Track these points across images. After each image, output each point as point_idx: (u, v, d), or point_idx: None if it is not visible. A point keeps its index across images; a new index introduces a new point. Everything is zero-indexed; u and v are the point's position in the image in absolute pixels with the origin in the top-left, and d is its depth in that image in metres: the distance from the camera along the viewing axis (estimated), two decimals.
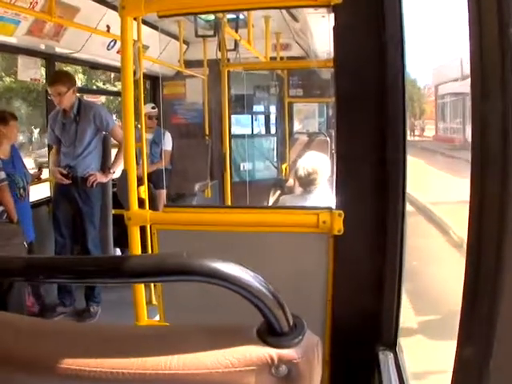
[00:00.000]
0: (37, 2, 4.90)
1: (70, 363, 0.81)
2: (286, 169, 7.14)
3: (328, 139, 7.26)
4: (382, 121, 1.98)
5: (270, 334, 0.78)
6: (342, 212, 2.11)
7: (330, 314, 2.22)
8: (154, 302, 2.70)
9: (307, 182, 3.82)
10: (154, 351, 0.78)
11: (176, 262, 0.74)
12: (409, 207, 2.70)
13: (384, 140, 1.99)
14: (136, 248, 2.23)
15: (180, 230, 2.19)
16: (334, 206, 2.16)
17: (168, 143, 7.35)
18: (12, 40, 5.23)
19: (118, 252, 6.67)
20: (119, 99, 10.43)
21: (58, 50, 6.08)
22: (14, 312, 4.42)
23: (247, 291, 0.77)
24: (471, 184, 1.01)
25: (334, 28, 2.05)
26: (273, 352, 0.77)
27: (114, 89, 23.91)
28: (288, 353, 0.77)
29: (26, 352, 0.85)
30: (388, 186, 2.00)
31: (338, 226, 2.12)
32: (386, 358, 2.04)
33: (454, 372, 1.10)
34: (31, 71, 5.94)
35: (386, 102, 1.97)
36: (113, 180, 5.77)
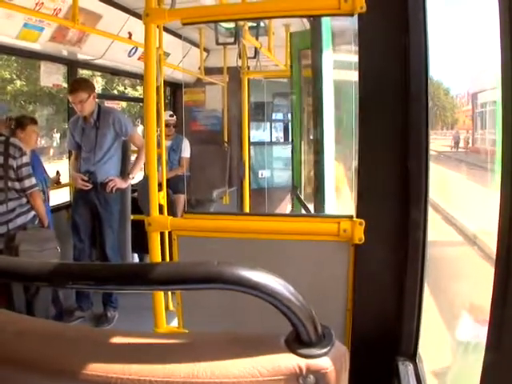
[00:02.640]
0: (60, 9, 4.95)
1: (97, 369, 0.81)
2: (310, 176, 7.11)
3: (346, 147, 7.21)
4: (405, 129, 1.97)
5: (298, 343, 0.78)
6: (362, 221, 2.10)
7: (349, 323, 2.21)
8: (171, 307, 2.70)
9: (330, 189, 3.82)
10: (182, 359, 0.77)
11: (207, 270, 0.74)
12: (455, 236, 2.68)
13: (407, 149, 1.98)
14: (156, 254, 2.23)
15: (200, 237, 2.19)
16: (351, 214, 2.16)
17: (186, 150, 7.38)
18: (35, 46, 5.28)
19: (136, 257, 6.70)
20: (140, 105, 10.48)
21: (80, 56, 6.14)
22: (39, 316, 4.47)
23: (277, 300, 0.76)
24: (501, 195, 1.00)
25: (358, 36, 2.05)
26: (301, 362, 0.76)
27: (136, 94, 24.06)
28: (317, 363, 0.76)
29: (51, 358, 0.85)
30: (410, 196, 1.98)
31: (359, 235, 2.10)
32: (405, 369, 2.03)
33: (481, 379, 1.09)
34: (53, 77, 6.00)
35: (409, 110, 1.96)
36: (132, 185, 5.79)
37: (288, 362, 0.76)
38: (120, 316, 5.56)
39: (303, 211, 5.04)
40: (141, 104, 10.23)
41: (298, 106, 5.78)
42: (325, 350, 0.78)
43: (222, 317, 2.12)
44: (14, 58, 22.88)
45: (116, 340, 0.88)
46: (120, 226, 5.54)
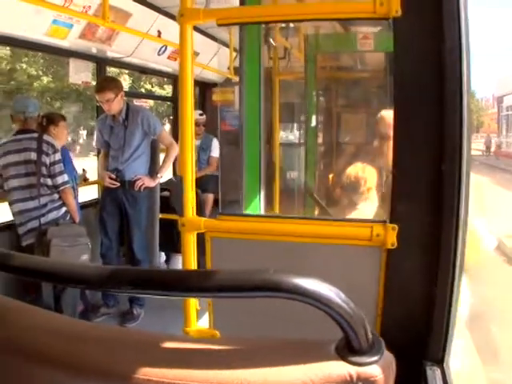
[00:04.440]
0: (90, 7, 4.97)
1: (141, 373, 0.82)
2: (332, 178, 7.10)
3: (373, 150, 7.18)
4: (440, 134, 1.96)
5: (348, 350, 0.77)
6: (396, 226, 2.09)
7: (378, 328, 2.20)
8: (198, 306, 2.70)
9: (356, 193, 3.80)
10: (234, 365, 0.77)
11: (263, 278, 0.74)
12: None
13: (441, 154, 1.97)
14: (189, 254, 2.23)
15: (233, 239, 2.19)
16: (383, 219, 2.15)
17: (215, 150, 7.40)
18: (64, 43, 5.33)
19: (163, 256, 6.73)
20: (168, 103, 10.52)
21: (109, 54, 6.17)
22: (66, 311, 4.51)
23: (330, 307, 0.76)
24: None
25: (393, 41, 2.04)
26: (352, 369, 0.76)
27: (163, 92, 24.14)
28: (367, 370, 0.76)
29: (99, 362, 0.86)
30: (444, 201, 1.97)
31: (392, 240, 2.09)
32: (433, 374, 2.02)
33: None
34: (82, 74, 6.04)
35: (445, 115, 1.94)
36: (160, 184, 5.82)
37: (339, 369, 0.76)
38: (145, 314, 5.59)
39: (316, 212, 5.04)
40: (168, 103, 10.25)
41: (313, 107, 5.78)
42: (375, 358, 0.78)
43: (253, 318, 2.12)
44: (40, 54, 23.13)
45: (160, 343, 0.88)
46: (148, 224, 5.56)
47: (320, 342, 0.81)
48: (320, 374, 0.76)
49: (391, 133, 2.89)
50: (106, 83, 5.38)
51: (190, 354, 0.84)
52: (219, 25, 2.28)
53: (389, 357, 0.81)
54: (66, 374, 0.88)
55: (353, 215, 3.77)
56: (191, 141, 2.22)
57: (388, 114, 3.01)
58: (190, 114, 2.22)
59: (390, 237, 2.09)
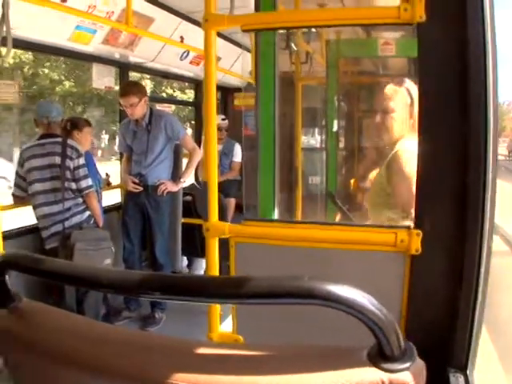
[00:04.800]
0: (113, 12, 5.01)
1: (172, 378, 0.82)
2: (353, 183, 7.07)
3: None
4: (465, 141, 1.95)
5: (380, 357, 0.77)
6: (420, 231, 2.08)
7: (402, 334, 2.18)
8: (220, 311, 2.71)
9: (379, 198, 3.79)
10: (268, 371, 0.77)
11: (298, 285, 0.74)
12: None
13: (466, 160, 1.96)
14: (213, 259, 2.24)
15: (257, 244, 2.19)
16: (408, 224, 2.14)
17: (238, 154, 7.41)
18: (87, 48, 5.37)
19: (185, 260, 6.75)
20: (189, 108, 10.57)
21: (132, 58, 6.21)
22: (89, 314, 4.53)
23: (363, 314, 0.76)
24: None
25: (418, 46, 2.03)
26: (384, 376, 0.76)
27: (184, 97, 24.23)
28: (399, 377, 0.76)
29: (125, 366, 0.86)
30: (468, 207, 1.96)
31: (416, 246, 2.08)
32: (456, 381, 2.01)
33: None
34: (105, 79, 6.08)
35: (469, 120, 1.94)
36: (183, 189, 5.84)
37: (371, 376, 0.76)
38: (167, 318, 5.60)
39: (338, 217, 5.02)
40: (189, 107, 10.29)
41: (333, 112, 5.77)
42: (407, 365, 0.78)
43: (276, 324, 2.11)
44: (62, 59, 23.33)
45: (187, 348, 0.89)
46: (170, 228, 5.58)
47: (351, 348, 0.81)
48: (352, 380, 0.76)
49: (391, 105, 2.93)
50: (129, 88, 5.42)
51: (218, 360, 0.85)
52: (244, 31, 2.29)
53: (420, 363, 0.81)
54: (91, 376, 0.89)
55: (377, 221, 3.77)
56: (215, 146, 2.23)
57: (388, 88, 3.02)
58: (214, 119, 2.23)
59: (415, 242, 2.09)
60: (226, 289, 0.76)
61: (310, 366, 0.77)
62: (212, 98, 2.23)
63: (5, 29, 3.14)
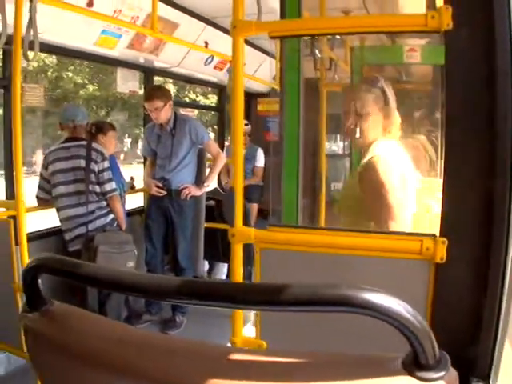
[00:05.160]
0: (138, 17, 5.05)
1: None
2: None
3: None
4: (491, 150, 1.94)
5: (415, 366, 0.77)
6: (445, 239, 2.07)
7: None
8: None
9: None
10: (293, 379, 0.78)
11: (333, 293, 0.75)
12: None
13: (493, 169, 1.95)
14: (238, 264, 2.24)
15: (282, 250, 2.19)
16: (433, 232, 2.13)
17: (260, 160, 7.43)
18: (111, 52, 5.41)
19: (207, 265, 6.77)
20: (212, 113, 10.61)
21: (157, 63, 6.24)
22: (111, 317, 4.55)
23: (398, 321, 0.76)
24: None
25: (445, 53, 2.03)
26: None
27: (207, 102, 24.30)
28: None
29: (156, 371, 0.87)
30: (494, 216, 1.95)
31: (441, 254, 2.07)
32: None
33: None
34: (130, 83, 6.12)
35: (496, 129, 1.93)
36: (206, 193, 5.86)
37: None
38: (188, 321, 5.62)
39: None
40: (212, 112, 10.34)
41: None
42: (441, 374, 0.78)
43: (301, 330, 2.11)
44: (86, 63, 23.51)
45: (216, 354, 0.89)
46: (193, 233, 5.60)
47: (385, 356, 0.81)
48: None
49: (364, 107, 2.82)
50: (154, 92, 5.45)
51: (244, 366, 0.85)
52: (271, 37, 2.30)
53: (453, 373, 0.81)
54: (117, 378, 0.89)
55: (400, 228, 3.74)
56: (242, 152, 2.24)
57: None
58: (242, 125, 2.24)
59: (440, 251, 2.08)
60: (267, 296, 0.76)
61: (343, 375, 0.77)
62: (240, 104, 2.24)
63: (32, 33, 3.17)
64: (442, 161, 2.09)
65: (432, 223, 2.88)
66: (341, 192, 2.91)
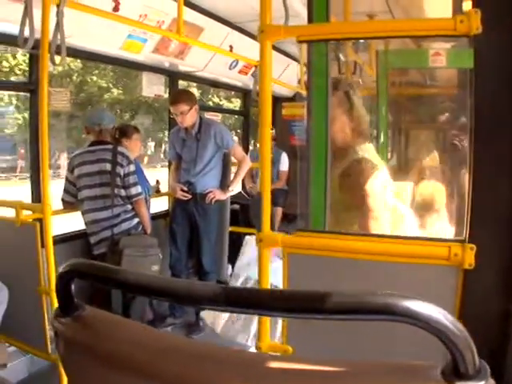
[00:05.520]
0: (163, 21, 5.07)
1: None
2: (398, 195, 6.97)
3: (444, 167, 7.09)
4: None
5: (455, 375, 0.76)
6: (473, 245, 2.05)
7: None
8: None
9: (423, 210, 3.76)
10: None
11: (376, 302, 0.74)
12: None
13: None
14: (266, 269, 2.24)
15: (309, 255, 2.18)
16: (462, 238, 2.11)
17: (285, 164, 7.43)
18: (136, 57, 5.44)
19: (230, 269, 6.77)
20: (235, 117, 10.63)
21: (181, 67, 6.27)
22: (134, 320, 4.59)
23: (438, 330, 0.75)
24: None
25: (474, 58, 2.02)
26: None
27: (230, 106, 24.37)
28: None
29: (199, 379, 0.86)
30: None
31: (470, 260, 2.05)
32: None
33: None
34: (155, 87, 6.15)
35: None
36: (231, 197, 5.87)
37: None
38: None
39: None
40: (236, 116, 10.37)
41: (384, 123, 5.75)
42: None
43: (328, 336, 2.10)
44: (110, 67, 23.68)
45: (245, 360, 0.89)
46: (217, 237, 5.61)
47: (423, 365, 0.80)
48: None
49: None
50: (180, 96, 5.47)
51: (278, 373, 0.84)
52: (299, 41, 2.30)
53: (492, 383, 0.80)
54: None
55: (424, 234, 3.72)
56: (269, 156, 2.23)
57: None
58: (269, 130, 2.23)
59: (468, 257, 2.06)
60: (308, 304, 0.76)
61: (383, 383, 0.77)
62: (267, 108, 2.24)
63: (59, 37, 3.19)
64: (469, 166, 2.07)
65: (397, 223, 2.86)
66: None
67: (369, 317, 0.76)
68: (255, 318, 2.62)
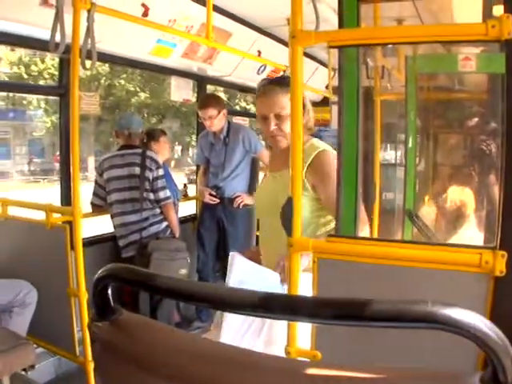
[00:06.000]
0: (192, 26, 5.09)
1: None
2: (431, 201, 6.94)
3: (473, 173, 7.04)
4: None
5: (494, 383, 0.76)
6: (505, 252, 2.03)
7: (481, 360, 2.12)
8: None
9: (454, 216, 3.74)
10: None
11: (418, 310, 0.74)
12: None
13: None
14: (296, 274, 2.24)
15: (340, 261, 2.18)
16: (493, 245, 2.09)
17: None
18: (166, 61, 5.47)
19: None
20: None
21: (210, 72, 6.29)
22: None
23: (478, 338, 0.75)
24: None
25: (505, 63, 2.00)
26: None
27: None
28: None
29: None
30: None
31: (501, 267, 2.03)
32: None
33: None
34: (183, 92, 6.18)
35: None
36: None
37: None
38: None
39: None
40: None
41: (413, 128, 5.71)
42: None
43: (358, 342, 2.09)
44: (138, 71, 23.84)
45: (287, 368, 0.89)
46: (245, 241, 5.61)
47: (461, 373, 0.79)
48: None
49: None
50: (208, 100, 5.50)
51: (320, 381, 0.84)
52: (330, 47, 2.29)
53: None
54: None
55: (452, 240, 3.69)
56: (300, 161, 2.23)
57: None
58: (300, 136, 2.23)
59: (499, 264, 2.04)
60: (350, 311, 0.76)
61: None
62: (298, 114, 2.23)
63: (90, 42, 3.22)
64: (500, 172, 2.05)
65: None
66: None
67: (409, 324, 0.76)
68: (266, 324, 2.60)
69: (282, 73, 6.51)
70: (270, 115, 2.96)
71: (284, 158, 2.83)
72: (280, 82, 3.02)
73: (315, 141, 2.99)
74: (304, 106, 2.74)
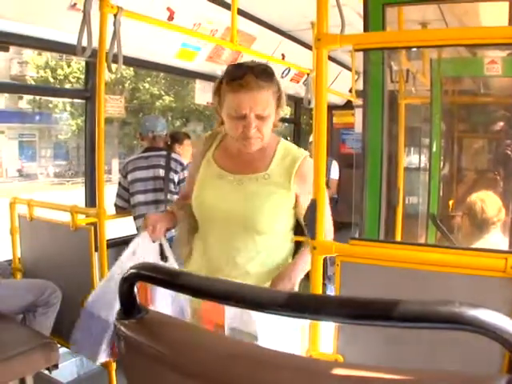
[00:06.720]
0: (217, 30, 5.12)
1: None
2: (456, 206, 6.88)
3: (498, 178, 6.98)
4: None
5: None
6: None
7: (506, 364, 2.10)
8: None
9: (481, 222, 3.71)
10: None
11: (446, 311, 0.74)
12: None
13: None
14: (319, 277, 2.23)
15: (363, 264, 2.17)
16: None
17: (335, 172, 7.39)
18: (190, 65, 5.50)
19: None
20: (286, 125, 10.62)
21: None
22: None
23: (506, 340, 0.75)
24: None
25: None
26: None
27: (281, 113, 24.40)
28: None
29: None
30: None
31: None
32: None
33: None
34: (207, 95, 6.20)
35: None
36: None
37: None
38: None
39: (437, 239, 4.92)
40: (286, 124, 10.37)
41: (437, 132, 5.69)
42: None
43: (379, 343, 2.09)
44: (162, 75, 23.96)
45: (319, 369, 0.89)
46: None
47: (487, 375, 0.79)
48: None
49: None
50: None
51: (354, 382, 0.84)
52: (356, 50, 2.29)
53: None
54: None
55: (477, 245, 3.67)
56: (324, 165, 2.22)
57: None
58: (324, 139, 2.22)
59: None
60: (378, 311, 0.76)
61: None
62: (323, 117, 2.23)
63: (116, 46, 3.24)
64: None
65: None
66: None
67: (436, 325, 0.76)
68: None
69: (305, 76, 6.50)
70: (251, 115, 2.44)
71: (247, 160, 2.60)
72: (262, 73, 2.48)
73: (286, 142, 2.75)
74: (280, 99, 2.58)
